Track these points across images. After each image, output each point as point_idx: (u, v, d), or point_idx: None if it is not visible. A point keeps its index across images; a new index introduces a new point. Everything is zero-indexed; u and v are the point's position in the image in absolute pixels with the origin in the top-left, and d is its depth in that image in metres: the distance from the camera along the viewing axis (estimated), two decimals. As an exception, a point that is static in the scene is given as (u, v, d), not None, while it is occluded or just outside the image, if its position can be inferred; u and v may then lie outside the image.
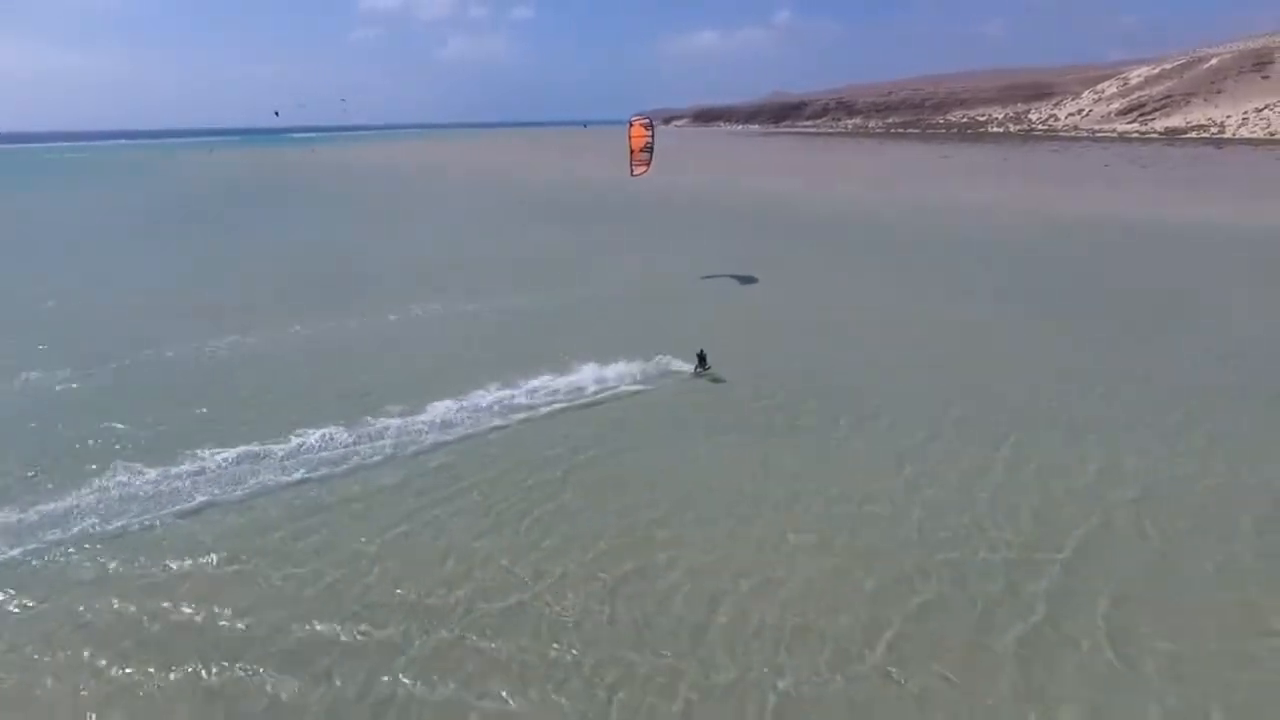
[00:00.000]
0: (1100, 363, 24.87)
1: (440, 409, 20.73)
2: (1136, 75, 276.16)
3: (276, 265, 43.83)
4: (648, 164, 31.44)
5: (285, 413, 20.71)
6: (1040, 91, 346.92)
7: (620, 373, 23.44)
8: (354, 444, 18.85)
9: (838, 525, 15.19)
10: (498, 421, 20.29)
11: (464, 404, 21.09)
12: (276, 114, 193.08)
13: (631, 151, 30.46)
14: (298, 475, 17.31)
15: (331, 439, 19.02)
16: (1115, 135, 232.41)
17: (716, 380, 23.29)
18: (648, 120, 31.51)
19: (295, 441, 18.80)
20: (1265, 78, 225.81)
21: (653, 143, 31.07)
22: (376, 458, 18.23)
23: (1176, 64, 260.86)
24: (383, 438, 19.17)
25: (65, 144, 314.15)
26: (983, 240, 49.28)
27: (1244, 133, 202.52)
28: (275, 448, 18.46)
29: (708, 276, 36.26)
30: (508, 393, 21.95)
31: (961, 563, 13.84)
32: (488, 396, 21.62)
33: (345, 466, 17.79)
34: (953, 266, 41.24)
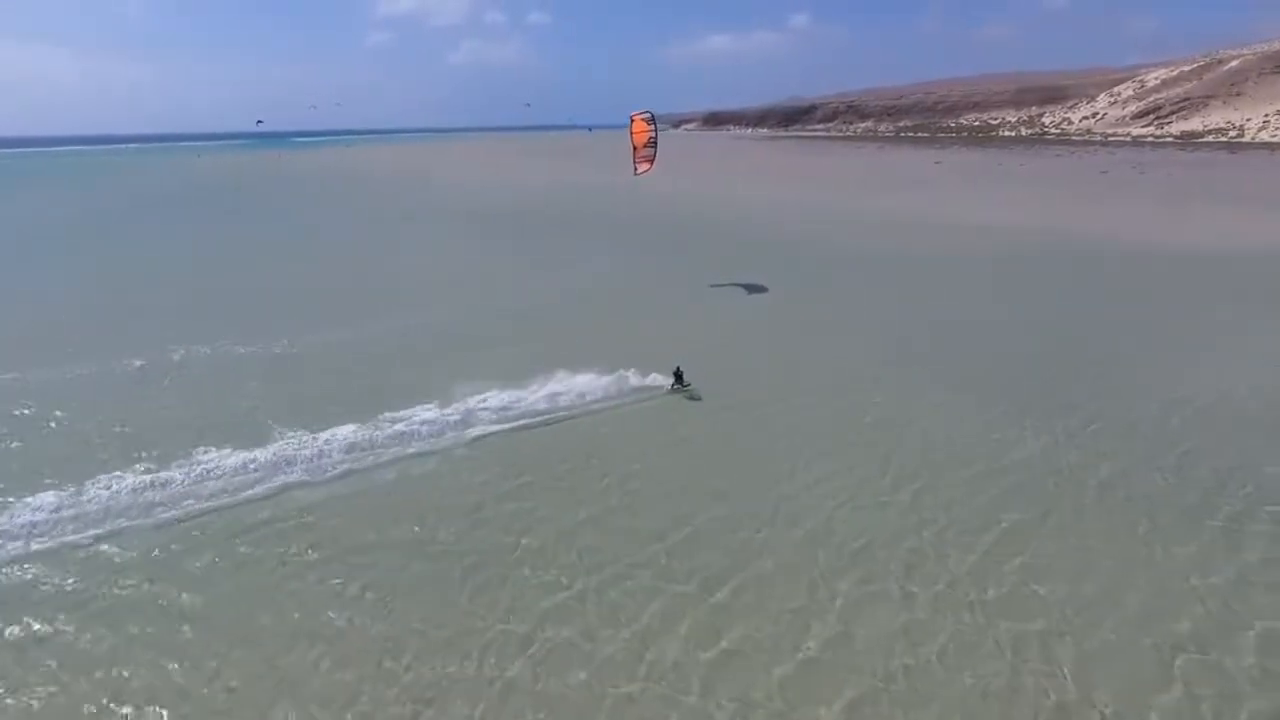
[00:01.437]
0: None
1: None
2: (1154, 78, 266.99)
3: (113, 287, 39.22)
4: (651, 161, 29.54)
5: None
6: (1055, 95, 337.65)
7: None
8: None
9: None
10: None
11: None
12: (259, 122, 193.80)
13: (634, 149, 28.79)
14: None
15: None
16: (1129, 139, 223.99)
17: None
18: (649, 114, 29.16)
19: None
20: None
21: (656, 138, 29.11)
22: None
23: (1195, 66, 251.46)
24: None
25: (61, 149, 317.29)
26: (881, 256, 44.12)
27: (1264, 136, 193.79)
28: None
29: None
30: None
31: None
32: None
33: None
34: (802, 287, 36.67)
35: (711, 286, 35.75)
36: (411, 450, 18.30)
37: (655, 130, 29.40)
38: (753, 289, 35.24)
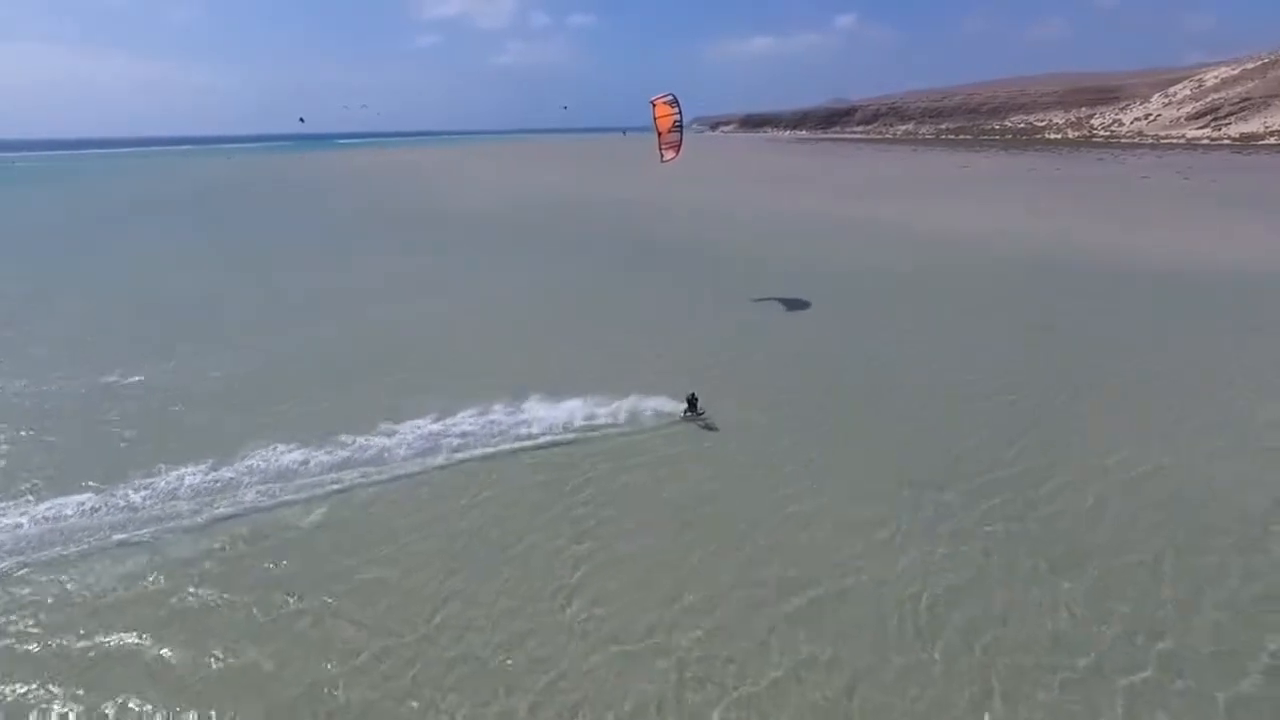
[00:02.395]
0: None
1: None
2: (1212, 77, 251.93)
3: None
4: (678, 147, 28.12)
5: None
6: (1106, 96, 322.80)
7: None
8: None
9: None
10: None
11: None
12: (302, 120, 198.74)
13: (659, 134, 27.53)
14: None
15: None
16: (1183, 141, 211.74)
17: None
18: (671, 96, 27.46)
19: None
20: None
21: (681, 121, 27.69)
22: None
23: (1259, 64, 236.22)
24: None
25: (106, 151, 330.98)
26: (798, 268, 41.01)
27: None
28: None
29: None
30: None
31: None
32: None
33: None
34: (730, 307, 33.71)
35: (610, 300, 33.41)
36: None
37: (680, 113, 27.67)
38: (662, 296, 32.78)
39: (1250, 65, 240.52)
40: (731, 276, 39.35)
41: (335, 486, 16.64)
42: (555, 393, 21.43)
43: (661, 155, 28.46)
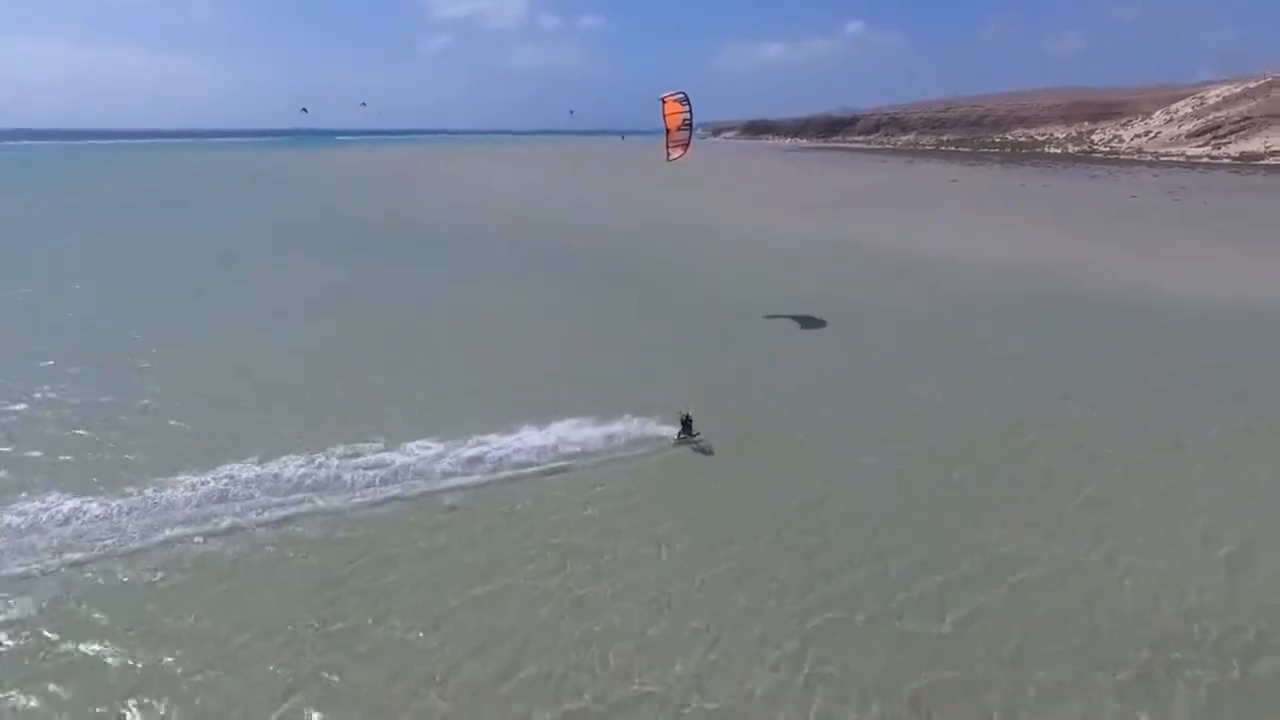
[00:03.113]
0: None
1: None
2: (1215, 94, 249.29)
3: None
4: (686, 145, 27.60)
5: None
6: (1109, 111, 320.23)
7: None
8: None
9: None
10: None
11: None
12: (304, 110, 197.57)
13: (667, 131, 27.04)
14: None
15: None
16: (1182, 159, 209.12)
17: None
18: (681, 94, 26.75)
19: None
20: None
21: (691, 120, 26.99)
22: None
23: (1261, 83, 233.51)
24: None
25: (114, 142, 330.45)
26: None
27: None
28: None
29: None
30: None
31: None
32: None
33: None
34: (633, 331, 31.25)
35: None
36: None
37: (690, 112, 26.90)
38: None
39: (1253, 84, 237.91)
40: (631, 299, 36.73)
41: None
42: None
43: (668, 153, 27.76)
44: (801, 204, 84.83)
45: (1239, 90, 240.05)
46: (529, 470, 17.63)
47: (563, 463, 18.00)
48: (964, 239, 57.87)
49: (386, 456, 17.93)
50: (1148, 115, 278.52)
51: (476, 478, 17.28)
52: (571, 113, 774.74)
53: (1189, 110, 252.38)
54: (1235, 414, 21.86)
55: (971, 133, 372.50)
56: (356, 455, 18.00)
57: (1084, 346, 29.20)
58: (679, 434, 19.36)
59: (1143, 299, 37.37)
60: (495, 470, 17.56)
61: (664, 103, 26.79)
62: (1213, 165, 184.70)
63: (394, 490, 16.62)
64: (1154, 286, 40.13)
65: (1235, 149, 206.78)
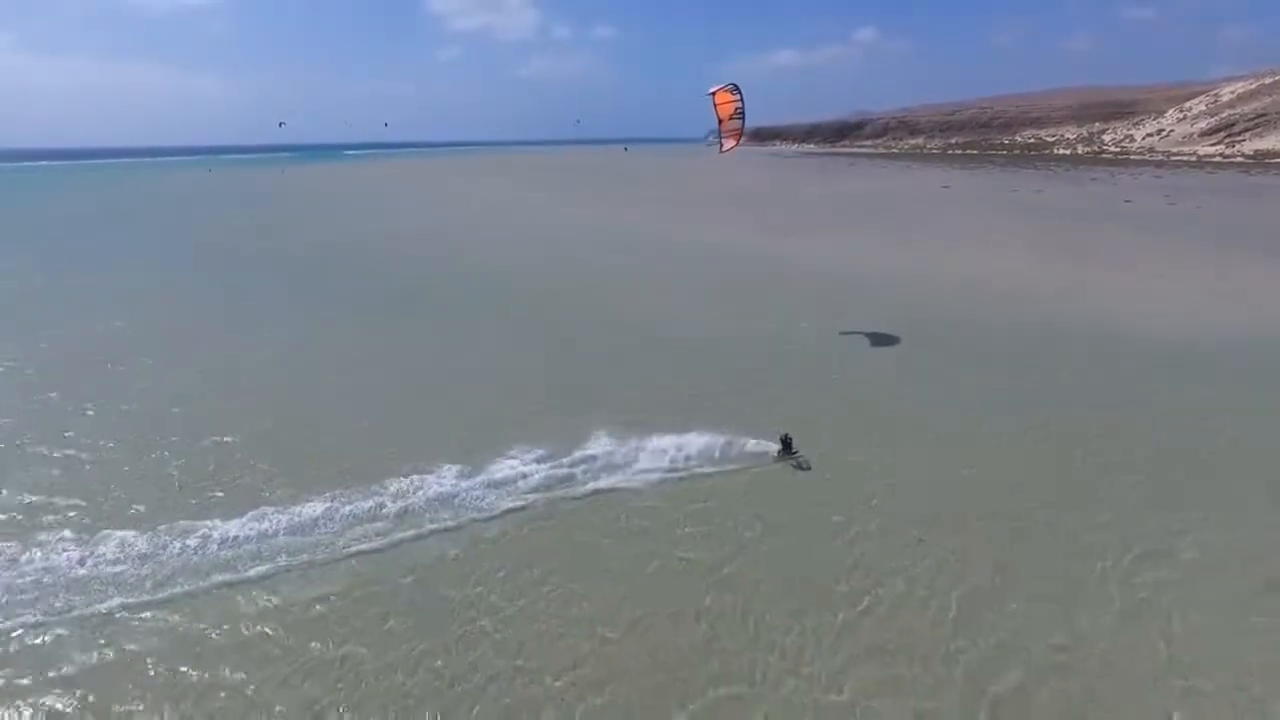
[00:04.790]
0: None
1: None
2: (1229, 91, 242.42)
3: None
4: (739, 135, 27.84)
5: None
6: (1121, 110, 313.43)
7: None
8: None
9: None
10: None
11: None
12: (281, 124, 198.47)
13: (719, 122, 27.36)
14: None
15: None
16: (1194, 159, 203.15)
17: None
18: (731, 85, 27.01)
19: None
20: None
21: (743, 108, 27.15)
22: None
23: (1276, 79, 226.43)
24: None
25: (121, 161, 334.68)
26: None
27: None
28: None
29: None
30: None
31: None
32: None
33: None
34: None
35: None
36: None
37: (741, 100, 27.02)
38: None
39: (1268, 80, 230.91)
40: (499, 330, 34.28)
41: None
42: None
43: (721, 144, 28.22)
44: (767, 222, 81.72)
45: (1254, 86, 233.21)
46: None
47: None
48: (910, 254, 54.75)
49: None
50: (1161, 114, 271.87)
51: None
52: (578, 122, 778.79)
53: (1203, 108, 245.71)
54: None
55: (981, 135, 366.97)
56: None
57: (990, 394, 26.09)
58: (779, 452, 19.03)
59: (1109, 328, 34.10)
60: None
61: (714, 94, 26.98)
62: (1224, 165, 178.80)
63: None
64: (1115, 312, 36.77)
65: (1249, 146, 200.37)
